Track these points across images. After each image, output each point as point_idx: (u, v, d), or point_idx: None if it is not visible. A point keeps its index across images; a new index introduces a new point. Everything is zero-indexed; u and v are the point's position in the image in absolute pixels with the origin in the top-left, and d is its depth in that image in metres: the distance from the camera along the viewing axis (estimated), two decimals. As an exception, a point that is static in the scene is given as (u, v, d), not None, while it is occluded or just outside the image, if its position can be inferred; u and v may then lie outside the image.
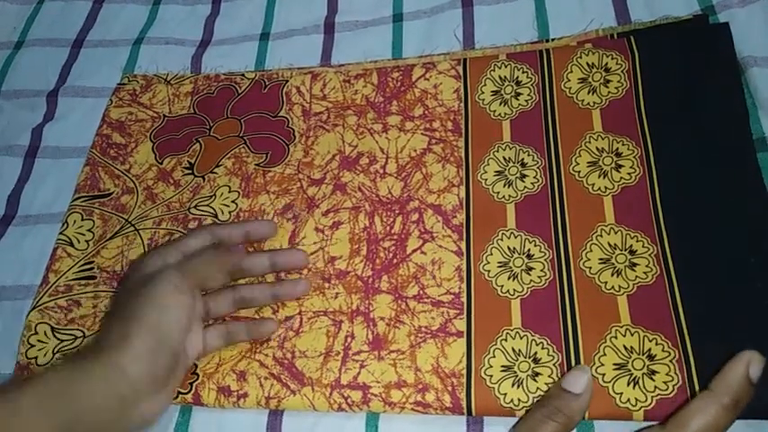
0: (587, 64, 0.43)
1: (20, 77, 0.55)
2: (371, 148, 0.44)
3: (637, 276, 0.36)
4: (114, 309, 0.37)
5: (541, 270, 0.38)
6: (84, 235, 0.44)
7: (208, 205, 0.44)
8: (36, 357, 0.40)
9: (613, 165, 0.40)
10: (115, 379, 0.31)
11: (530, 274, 0.37)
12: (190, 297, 0.35)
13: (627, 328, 0.35)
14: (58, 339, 0.40)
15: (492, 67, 0.45)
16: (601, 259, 0.37)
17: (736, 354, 0.29)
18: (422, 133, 0.44)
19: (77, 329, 0.41)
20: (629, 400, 0.33)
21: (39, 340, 0.40)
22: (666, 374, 0.33)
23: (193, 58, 0.53)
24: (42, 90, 0.53)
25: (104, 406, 0.31)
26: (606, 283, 0.36)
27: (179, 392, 0.37)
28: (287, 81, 0.48)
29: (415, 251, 0.40)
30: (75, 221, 0.45)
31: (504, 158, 0.42)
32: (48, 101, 0.53)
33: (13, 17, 0.59)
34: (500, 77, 0.44)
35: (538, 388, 0.34)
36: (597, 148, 0.41)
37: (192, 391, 0.37)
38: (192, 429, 0.37)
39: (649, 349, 0.34)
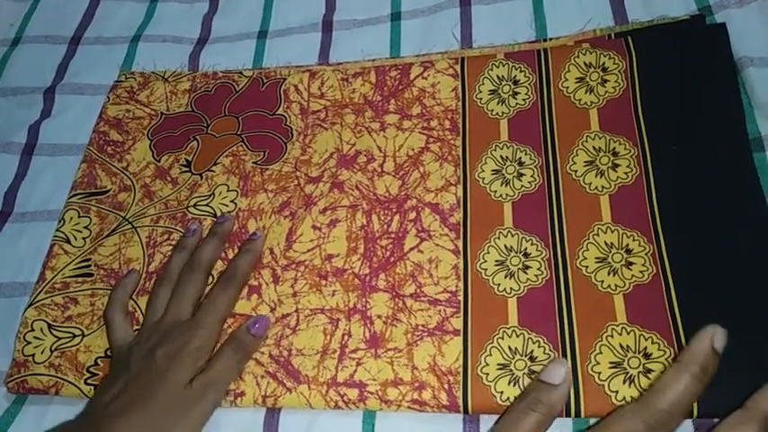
0: (585, 63, 0.44)
1: (17, 74, 0.55)
2: (369, 146, 0.44)
3: (633, 275, 0.36)
4: (132, 385, 0.35)
5: (538, 269, 0.38)
6: (80, 232, 0.44)
7: (207, 205, 0.44)
8: (33, 355, 0.40)
9: (610, 164, 0.40)
10: None
11: (526, 273, 0.38)
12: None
13: (623, 327, 0.35)
14: (56, 337, 0.40)
15: (490, 67, 0.45)
16: (597, 258, 0.37)
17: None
18: (419, 132, 0.44)
19: (75, 327, 0.41)
20: (624, 398, 0.33)
21: (35, 337, 0.40)
22: (662, 373, 0.33)
23: (191, 55, 0.53)
24: (39, 87, 0.53)
25: None
26: (602, 281, 0.37)
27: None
28: (285, 79, 0.48)
29: (412, 249, 0.40)
30: (71, 218, 0.45)
31: (502, 157, 0.42)
32: (45, 98, 0.53)
33: (9, 13, 0.59)
34: (498, 77, 0.45)
35: (534, 386, 0.34)
36: (594, 148, 0.41)
37: (189, 389, 0.37)
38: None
39: (645, 348, 0.34)
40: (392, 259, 0.40)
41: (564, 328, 0.36)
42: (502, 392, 0.34)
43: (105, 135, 0.48)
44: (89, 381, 0.38)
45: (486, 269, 0.38)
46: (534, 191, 0.40)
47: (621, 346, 0.35)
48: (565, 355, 0.35)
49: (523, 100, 0.43)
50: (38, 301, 0.42)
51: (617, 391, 0.33)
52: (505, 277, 0.38)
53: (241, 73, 0.49)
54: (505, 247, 0.39)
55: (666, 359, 0.34)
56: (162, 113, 0.49)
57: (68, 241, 0.44)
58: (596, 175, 0.40)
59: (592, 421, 0.34)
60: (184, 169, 0.46)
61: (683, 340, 0.34)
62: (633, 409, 0.28)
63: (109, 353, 0.39)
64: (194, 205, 0.44)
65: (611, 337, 0.35)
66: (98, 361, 0.39)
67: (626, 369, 0.34)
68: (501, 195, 0.40)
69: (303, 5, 0.54)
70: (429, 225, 0.40)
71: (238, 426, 0.37)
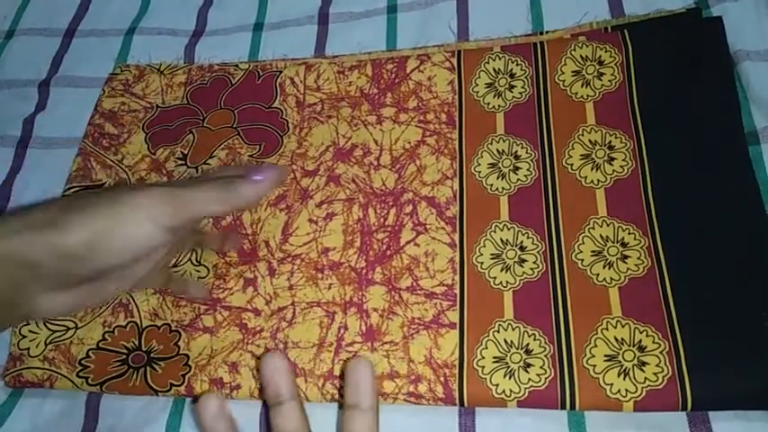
0: (581, 57, 0.43)
1: (11, 67, 0.55)
2: (365, 139, 0.44)
3: (628, 269, 0.37)
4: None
5: (534, 262, 0.38)
6: (76, 225, 0.44)
7: (201, 196, 0.44)
8: (28, 348, 0.40)
9: (606, 157, 0.40)
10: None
11: (522, 266, 0.38)
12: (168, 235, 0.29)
13: (618, 320, 0.35)
14: (50, 330, 0.40)
15: (486, 60, 0.45)
16: (593, 251, 0.37)
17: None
18: (416, 125, 0.44)
19: (69, 320, 0.40)
20: (619, 391, 0.33)
21: (30, 331, 0.40)
22: (656, 366, 0.33)
23: (187, 48, 0.53)
24: (34, 80, 0.53)
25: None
26: (598, 275, 0.37)
27: (171, 384, 0.37)
28: (281, 72, 0.48)
29: (408, 243, 0.40)
30: (67, 212, 0.45)
31: (498, 151, 0.42)
32: (39, 91, 0.52)
33: (3, 5, 0.59)
34: (494, 70, 0.44)
35: (530, 379, 0.34)
36: (590, 141, 0.41)
37: (185, 384, 0.37)
38: (184, 421, 0.38)
39: (640, 341, 0.34)
40: (388, 252, 0.40)
41: (559, 321, 0.36)
42: (498, 385, 0.34)
43: (100, 128, 0.48)
44: (81, 373, 0.38)
45: (482, 262, 0.38)
46: (530, 184, 0.40)
47: (616, 339, 0.35)
48: (560, 349, 0.35)
49: (520, 93, 0.43)
50: (33, 295, 0.42)
51: (612, 384, 0.33)
52: (501, 270, 0.38)
53: (237, 66, 0.49)
54: (501, 240, 0.39)
55: (661, 352, 0.34)
56: (157, 106, 0.48)
57: (64, 235, 0.44)
58: (592, 169, 0.40)
59: (586, 414, 0.34)
60: (180, 162, 0.45)
61: (678, 333, 0.34)
62: None
63: (100, 345, 0.39)
64: (190, 198, 0.44)
65: (606, 330, 0.35)
66: (90, 353, 0.39)
67: (621, 362, 0.34)
68: (497, 189, 0.40)
69: (299, -2, 0.54)
70: (425, 218, 0.40)
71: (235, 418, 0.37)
